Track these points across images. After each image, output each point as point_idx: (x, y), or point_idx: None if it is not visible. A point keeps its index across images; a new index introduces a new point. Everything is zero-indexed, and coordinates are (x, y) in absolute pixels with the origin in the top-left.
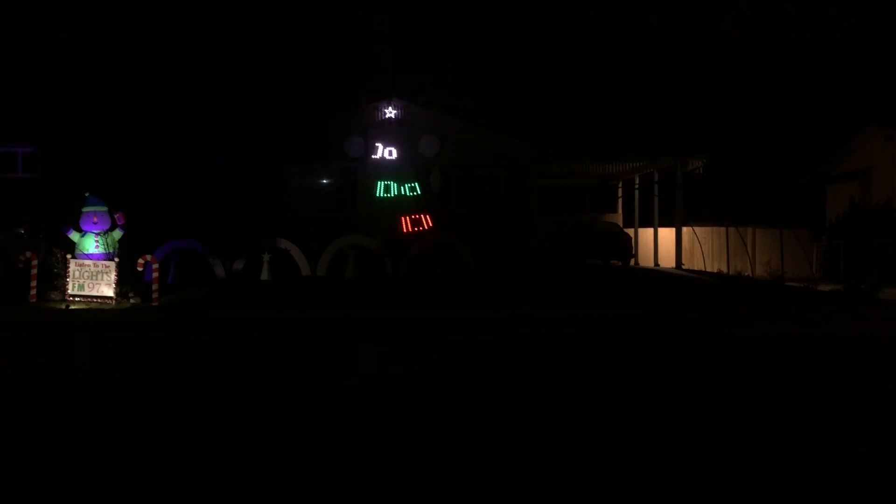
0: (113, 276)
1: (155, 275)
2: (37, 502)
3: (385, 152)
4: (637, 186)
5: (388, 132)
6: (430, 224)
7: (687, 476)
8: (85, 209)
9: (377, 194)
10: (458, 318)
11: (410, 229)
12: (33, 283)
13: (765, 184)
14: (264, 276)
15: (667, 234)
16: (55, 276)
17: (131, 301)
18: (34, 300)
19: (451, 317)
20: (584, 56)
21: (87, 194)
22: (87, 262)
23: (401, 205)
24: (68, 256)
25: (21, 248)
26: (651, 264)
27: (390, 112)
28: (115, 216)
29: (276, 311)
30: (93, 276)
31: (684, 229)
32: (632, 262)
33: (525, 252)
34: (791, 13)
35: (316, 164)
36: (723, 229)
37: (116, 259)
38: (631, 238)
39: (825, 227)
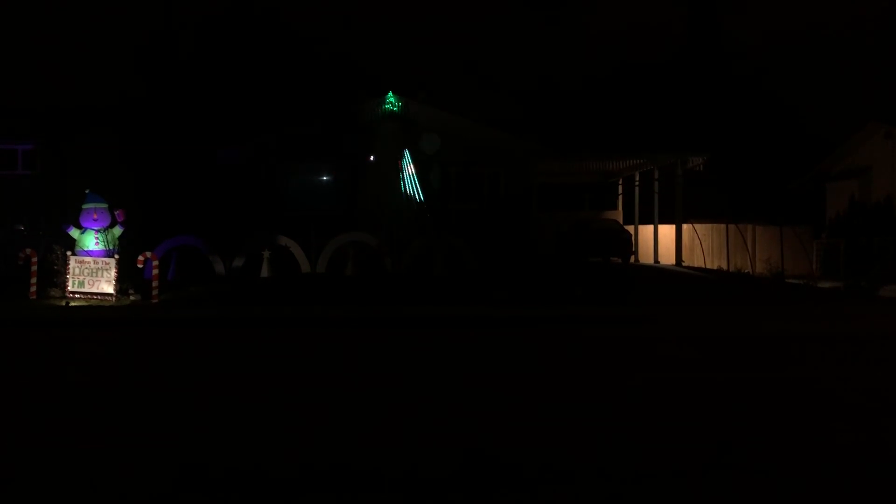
0: (113, 273)
1: (155, 272)
2: (33, 498)
3: (385, 150)
4: (637, 184)
5: (388, 130)
6: (430, 222)
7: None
8: (85, 206)
9: (377, 192)
10: (457, 316)
11: (409, 227)
12: (33, 280)
13: (765, 181)
14: (264, 273)
15: (667, 231)
16: (55, 273)
17: (131, 298)
18: (34, 297)
19: (450, 315)
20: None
21: (87, 191)
22: (87, 258)
23: (400, 202)
24: (68, 253)
25: (21, 245)
26: (651, 261)
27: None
28: (116, 213)
29: (276, 309)
30: (93, 273)
31: (684, 226)
32: (632, 259)
33: (525, 249)
34: (792, 10)
35: (316, 160)
36: (723, 226)
37: (116, 256)
38: (631, 235)
39: (825, 225)
